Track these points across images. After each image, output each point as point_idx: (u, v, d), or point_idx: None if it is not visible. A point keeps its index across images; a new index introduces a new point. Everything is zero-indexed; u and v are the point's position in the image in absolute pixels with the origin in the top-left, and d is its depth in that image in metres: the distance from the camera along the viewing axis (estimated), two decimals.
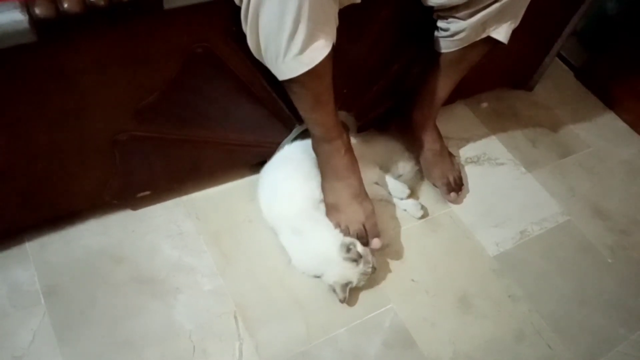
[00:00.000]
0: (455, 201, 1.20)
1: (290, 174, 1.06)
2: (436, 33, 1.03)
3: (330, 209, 1.02)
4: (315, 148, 1.01)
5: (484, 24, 0.96)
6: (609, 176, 1.35)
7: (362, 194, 1.02)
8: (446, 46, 1.02)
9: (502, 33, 0.99)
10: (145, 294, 0.96)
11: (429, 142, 1.20)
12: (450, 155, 1.25)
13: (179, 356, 0.90)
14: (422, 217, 1.15)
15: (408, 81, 1.18)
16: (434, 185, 1.22)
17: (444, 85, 1.11)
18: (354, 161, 1.01)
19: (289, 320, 0.97)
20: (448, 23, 0.98)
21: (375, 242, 1.00)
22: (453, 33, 0.99)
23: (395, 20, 1.01)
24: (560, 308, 1.08)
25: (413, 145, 1.23)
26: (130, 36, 0.76)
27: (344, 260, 0.96)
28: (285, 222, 1.03)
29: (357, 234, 1.00)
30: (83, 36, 0.72)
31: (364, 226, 1.00)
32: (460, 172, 1.24)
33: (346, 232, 1.00)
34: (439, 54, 1.04)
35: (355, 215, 1.00)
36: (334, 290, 0.97)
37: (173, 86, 0.86)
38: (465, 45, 1.00)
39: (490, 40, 0.99)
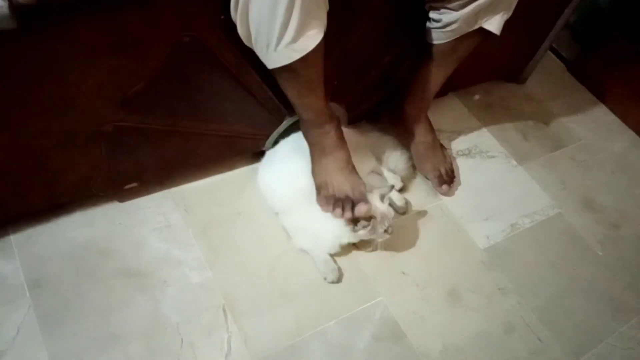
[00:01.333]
0: (447, 193, 1.20)
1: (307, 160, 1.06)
2: (428, 24, 1.02)
3: (319, 189, 1.00)
4: (305, 132, 1.01)
5: (477, 15, 0.95)
6: (600, 169, 1.35)
7: (349, 167, 1.00)
8: (438, 37, 1.01)
9: (494, 24, 0.98)
10: (132, 287, 0.95)
11: (421, 135, 1.19)
12: (442, 147, 1.24)
13: (166, 349, 0.89)
14: (404, 213, 1.14)
15: (399, 73, 1.17)
16: (426, 177, 1.21)
17: (435, 77, 1.10)
18: (342, 140, 1.00)
19: (278, 313, 0.96)
20: (440, 14, 0.97)
21: (361, 206, 0.96)
22: (445, 24, 0.98)
23: (387, 10, 1.00)
24: (550, 301, 1.08)
25: (405, 138, 1.22)
26: (115, 24, 0.75)
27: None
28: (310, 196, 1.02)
29: (341, 199, 0.97)
30: (66, 23, 0.71)
31: (350, 194, 0.98)
32: (452, 165, 1.23)
33: (331, 200, 0.98)
34: (431, 45, 1.04)
35: (341, 184, 0.98)
36: (354, 227, 0.96)
37: (160, 76, 0.85)
38: (458, 36, 0.99)
39: (482, 31, 0.99)
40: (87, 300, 0.92)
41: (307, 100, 0.93)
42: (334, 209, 0.98)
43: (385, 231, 0.98)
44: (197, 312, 0.94)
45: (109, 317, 0.91)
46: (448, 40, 1.00)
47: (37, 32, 0.70)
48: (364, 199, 0.98)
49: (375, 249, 1.06)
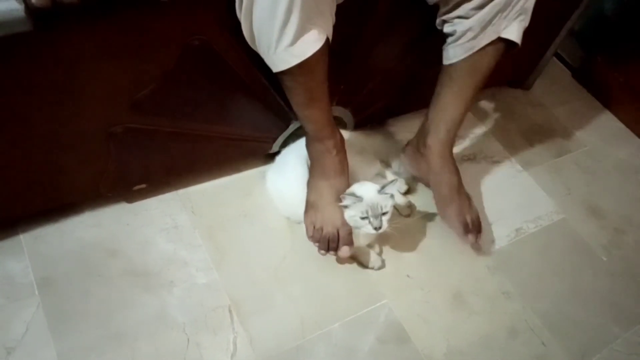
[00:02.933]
0: (474, 245, 1.10)
1: None
2: (444, 45, 0.98)
3: (309, 208, 1.00)
4: (307, 146, 0.99)
5: (493, 24, 0.91)
6: (605, 175, 1.36)
7: None
8: (455, 54, 0.96)
9: (514, 32, 0.93)
10: (139, 287, 0.96)
11: (446, 174, 1.07)
12: (467, 194, 1.11)
13: (173, 349, 0.90)
14: (408, 215, 1.15)
15: (405, 78, 1.18)
16: (448, 225, 1.10)
17: (458, 103, 1.01)
18: (344, 163, 0.98)
19: (284, 314, 0.97)
20: (453, 25, 0.94)
21: (344, 250, 0.97)
22: (460, 34, 0.93)
23: (394, 15, 1.01)
24: (554, 306, 1.08)
25: (426, 177, 1.12)
26: (126, 27, 0.76)
27: None
28: None
29: (328, 237, 0.97)
30: (79, 26, 0.72)
31: (337, 231, 0.97)
32: (478, 214, 1.10)
33: (319, 233, 0.98)
34: (449, 67, 0.98)
35: (332, 217, 0.97)
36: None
37: (169, 78, 0.86)
38: (476, 49, 0.93)
39: (501, 42, 0.93)
40: (94, 299, 0.93)
41: (309, 111, 0.91)
42: (320, 246, 0.98)
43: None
44: (203, 313, 0.95)
45: (115, 316, 0.92)
46: (466, 55, 0.94)
47: (51, 34, 0.71)
48: (349, 241, 0.98)
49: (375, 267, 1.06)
